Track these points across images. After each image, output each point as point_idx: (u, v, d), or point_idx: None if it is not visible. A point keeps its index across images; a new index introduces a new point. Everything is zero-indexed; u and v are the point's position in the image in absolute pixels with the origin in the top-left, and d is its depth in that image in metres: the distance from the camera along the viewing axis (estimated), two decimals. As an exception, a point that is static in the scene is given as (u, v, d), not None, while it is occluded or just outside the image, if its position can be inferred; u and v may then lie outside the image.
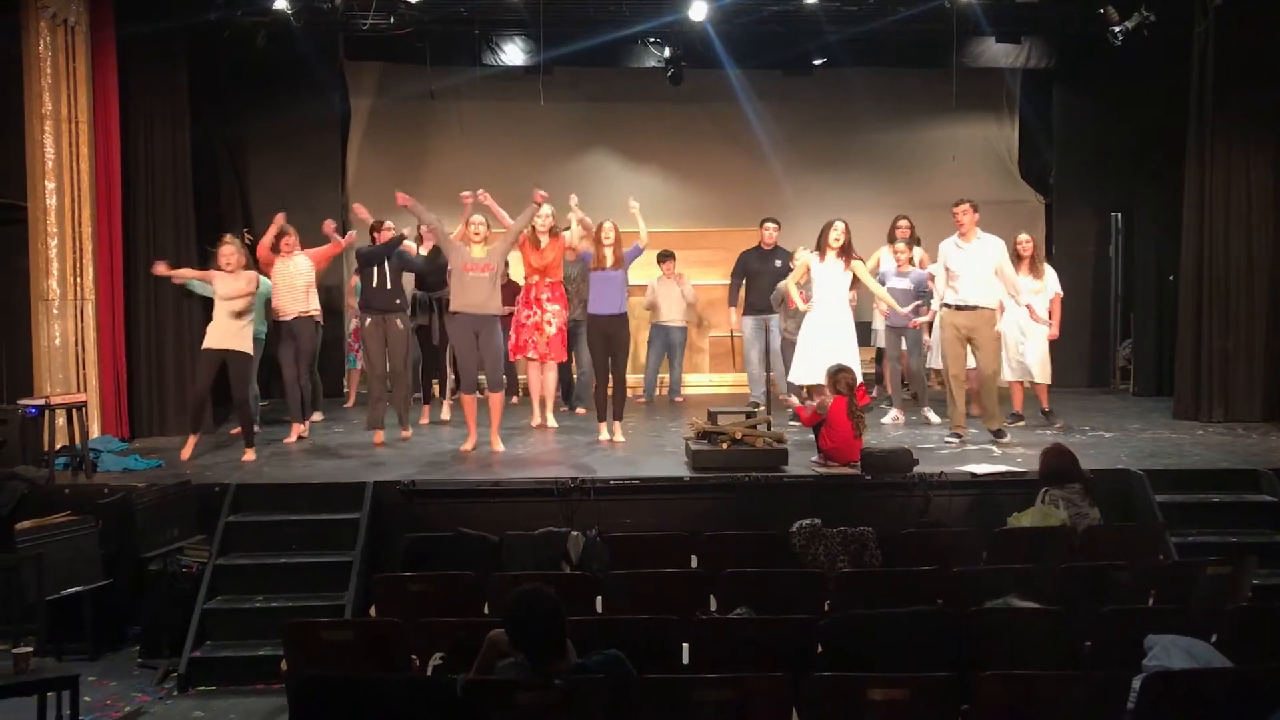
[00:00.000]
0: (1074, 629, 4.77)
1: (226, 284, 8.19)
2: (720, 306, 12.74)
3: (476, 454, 8.23)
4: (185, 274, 8.56)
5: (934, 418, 9.48)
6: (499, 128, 12.82)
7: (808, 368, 8.53)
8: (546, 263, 9.30)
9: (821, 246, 8.65)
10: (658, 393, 11.63)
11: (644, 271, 11.33)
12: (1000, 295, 8.58)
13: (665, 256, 11.45)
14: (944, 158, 13.13)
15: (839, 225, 8.62)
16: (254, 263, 8.90)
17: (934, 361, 9.85)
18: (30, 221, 8.59)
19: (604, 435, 8.77)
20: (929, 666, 4.17)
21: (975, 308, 8.45)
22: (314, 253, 9.30)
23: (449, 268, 8.62)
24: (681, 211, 13.21)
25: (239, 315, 8.19)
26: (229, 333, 8.18)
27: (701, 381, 12.47)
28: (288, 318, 8.94)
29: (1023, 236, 9.45)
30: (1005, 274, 8.52)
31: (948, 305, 8.59)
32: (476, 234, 8.45)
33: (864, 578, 5.71)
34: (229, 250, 8.25)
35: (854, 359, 8.39)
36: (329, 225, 9.50)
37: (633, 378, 12.14)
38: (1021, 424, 9.23)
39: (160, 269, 8.45)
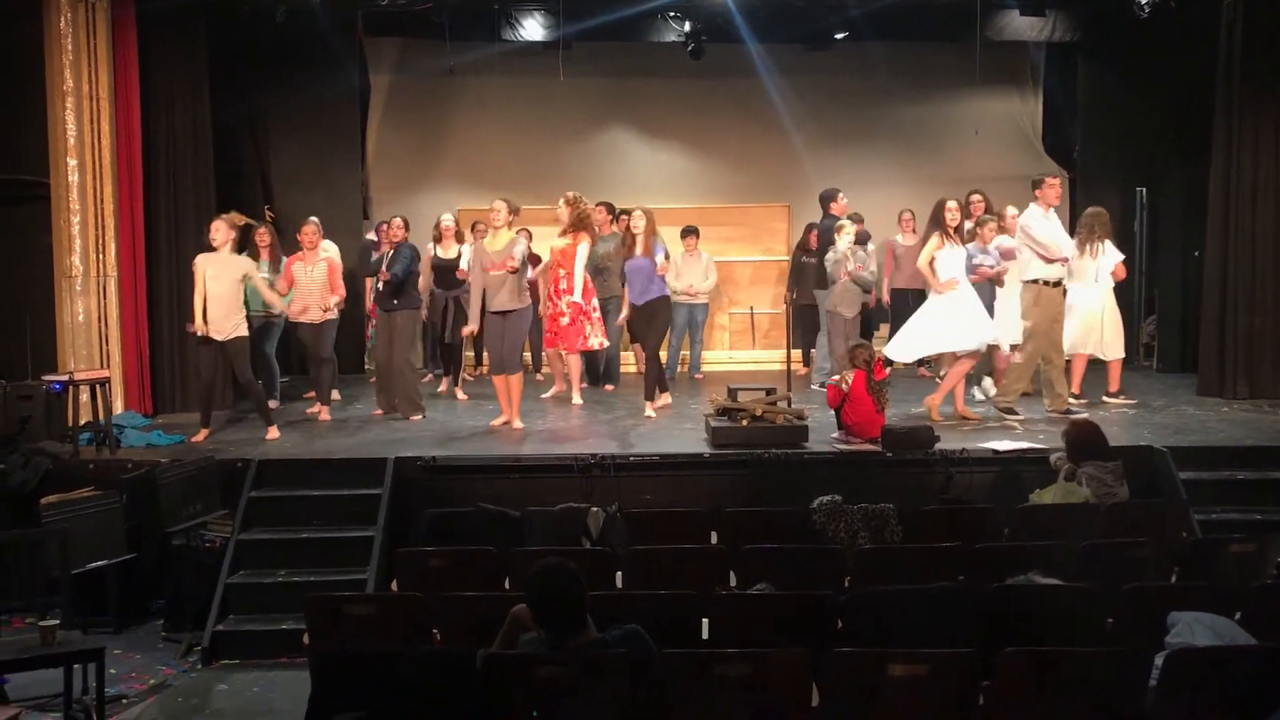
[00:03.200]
0: (1096, 606, 4.75)
1: (222, 262, 8.04)
2: (740, 283, 12.73)
3: (498, 431, 8.27)
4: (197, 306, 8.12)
5: (986, 392, 9.44)
6: (518, 103, 12.78)
7: (931, 341, 8.36)
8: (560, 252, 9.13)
9: (942, 224, 8.40)
10: (679, 370, 11.63)
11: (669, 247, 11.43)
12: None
13: (688, 231, 11.39)
14: (967, 132, 13.03)
15: (952, 204, 8.47)
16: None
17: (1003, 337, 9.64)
18: (53, 198, 8.64)
19: (648, 413, 8.82)
20: (950, 643, 4.15)
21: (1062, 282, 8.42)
22: (332, 271, 9.13)
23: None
24: (701, 187, 13.16)
25: (234, 302, 8.04)
26: (227, 321, 8.00)
27: (721, 358, 12.44)
28: (302, 319, 8.90)
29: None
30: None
31: (1033, 281, 8.40)
32: (495, 221, 8.27)
33: (885, 554, 5.70)
34: (217, 223, 8.12)
35: (982, 327, 8.34)
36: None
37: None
38: (1084, 401, 9.09)
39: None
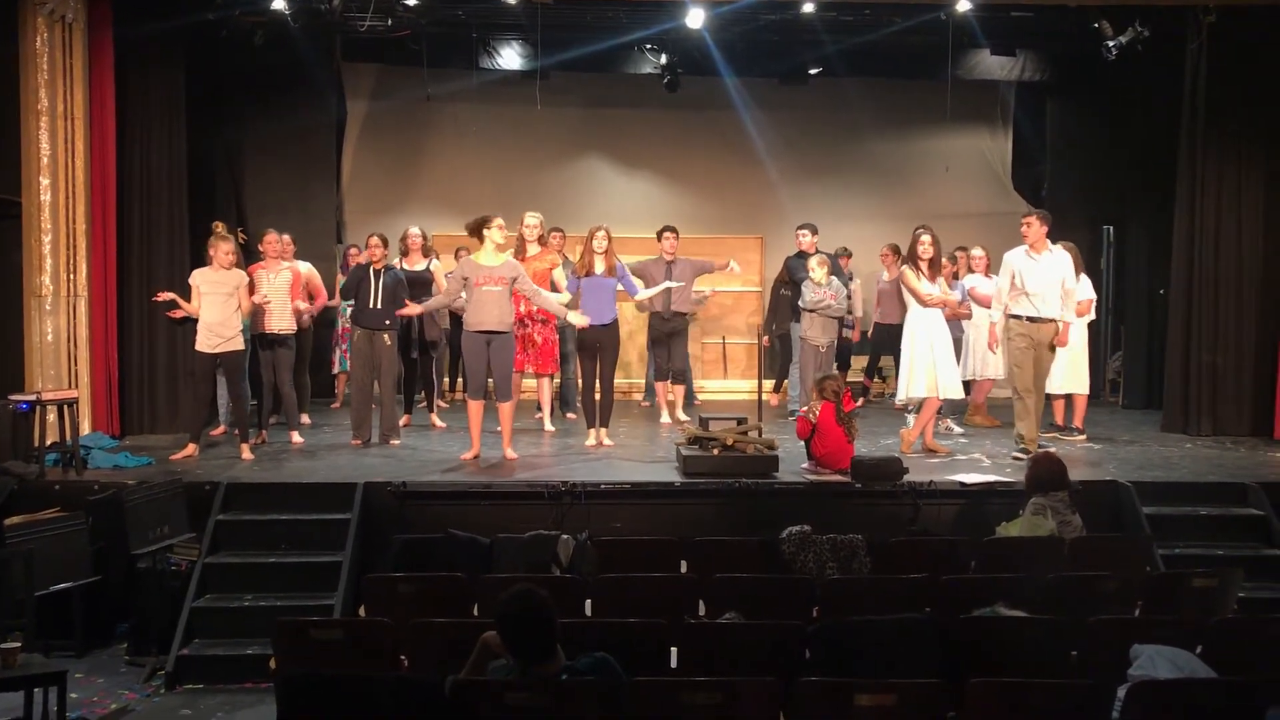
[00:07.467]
0: (1061, 638, 4.80)
1: (217, 279, 8.22)
2: (714, 313, 12.79)
3: (478, 458, 8.13)
4: (188, 309, 8.36)
5: (956, 428, 9.55)
6: (495, 131, 12.86)
7: (929, 380, 8.32)
8: (532, 272, 9.10)
9: (914, 258, 8.41)
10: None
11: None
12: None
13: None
14: (938, 168, 13.19)
15: (925, 237, 8.41)
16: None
17: (981, 371, 9.75)
18: (24, 217, 8.58)
19: (590, 441, 8.77)
20: (917, 673, 4.19)
21: (1051, 320, 8.37)
22: (294, 279, 9.13)
23: (465, 287, 8.08)
24: (676, 218, 13.08)
25: (230, 314, 8.21)
26: (224, 334, 8.18)
27: (715, 387, 12.51)
28: (267, 331, 8.79)
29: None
30: (1068, 287, 8.45)
31: (1016, 317, 8.40)
32: (498, 242, 8.00)
33: (853, 585, 5.73)
34: (228, 246, 8.31)
35: (954, 367, 8.46)
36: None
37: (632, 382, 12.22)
38: (1083, 437, 9.20)
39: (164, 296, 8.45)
